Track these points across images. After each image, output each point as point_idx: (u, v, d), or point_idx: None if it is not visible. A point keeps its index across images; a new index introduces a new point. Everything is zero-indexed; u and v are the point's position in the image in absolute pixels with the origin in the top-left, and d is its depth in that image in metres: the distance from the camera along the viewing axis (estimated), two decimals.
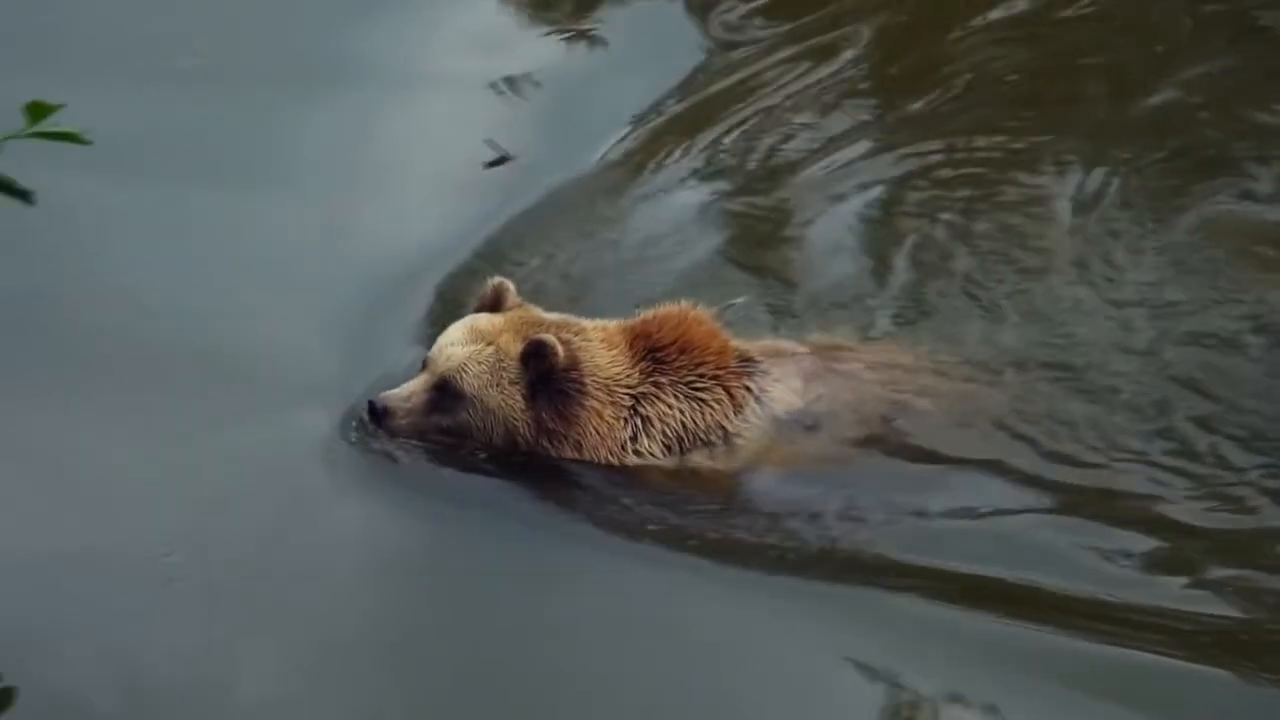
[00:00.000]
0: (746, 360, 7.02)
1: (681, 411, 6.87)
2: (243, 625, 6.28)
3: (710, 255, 8.35)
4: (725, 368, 6.94)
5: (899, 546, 6.62)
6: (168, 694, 6.03)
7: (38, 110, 4.35)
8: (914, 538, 6.68)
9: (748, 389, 6.95)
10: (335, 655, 6.19)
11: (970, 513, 6.80)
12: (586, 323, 6.99)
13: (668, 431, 6.88)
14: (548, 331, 6.78)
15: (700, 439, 6.90)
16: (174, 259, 8.10)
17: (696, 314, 6.99)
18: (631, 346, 6.91)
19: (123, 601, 6.31)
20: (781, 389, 6.98)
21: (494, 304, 6.95)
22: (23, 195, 4.47)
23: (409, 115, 9.38)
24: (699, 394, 6.91)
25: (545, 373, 6.73)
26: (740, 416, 6.91)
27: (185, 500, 6.75)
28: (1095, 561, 6.55)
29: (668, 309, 7.01)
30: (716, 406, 6.90)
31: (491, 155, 8.97)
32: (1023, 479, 6.92)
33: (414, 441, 6.86)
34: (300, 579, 6.50)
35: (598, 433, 6.80)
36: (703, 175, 9.00)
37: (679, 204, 8.74)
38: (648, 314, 7.03)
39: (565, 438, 6.80)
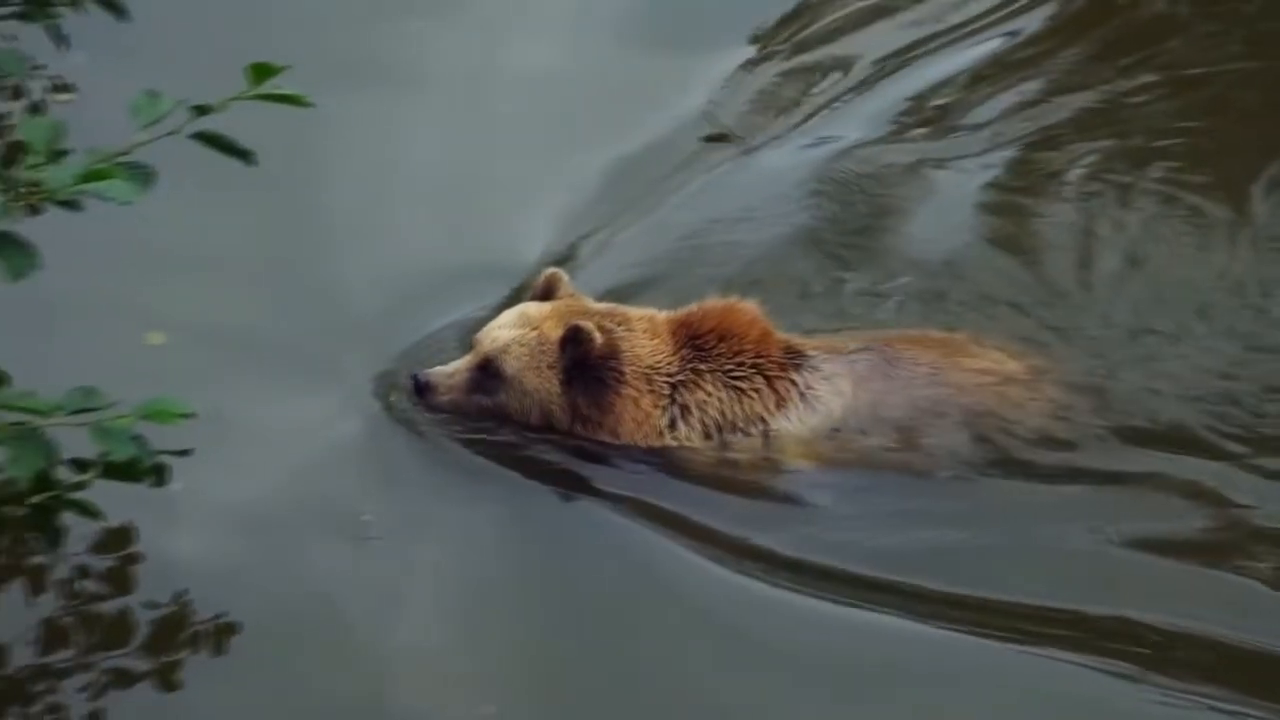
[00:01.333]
0: (794, 354, 7.00)
1: (720, 400, 6.92)
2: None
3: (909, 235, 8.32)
4: (766, 356, 6.95)
5: (900, 561, 6.56)
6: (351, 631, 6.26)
7: (260, 71, 4.39)
8: (918, 554, 6.61)
9: (792, 382, 6.95)
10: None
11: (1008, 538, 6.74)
12: (633, 312, 7.06)
13: (706, 420, 6.93)
14: (590, 320, 6.87)
15: (739, 428, 6.94)
16: None
17: (740, 305, 7.03)
18: (674, 335, 6.98)
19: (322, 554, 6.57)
20: (828, 388, 6.96)
21: (546, 293, 7.08)
22: (243, 155, 4.53)
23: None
24: (737, 382, 6.93)
25: (581, 358, 6.85)
26: (782, 411, 6.92)
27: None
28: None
29: (714, 300, 7.06)
30: (755, 396, 6.93)
31: (710, 130, 9.00)
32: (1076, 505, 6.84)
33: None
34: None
35: (634, 420, 6.90)
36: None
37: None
38: (695, 305, 7.08)
39: (600, 424, 6.91)
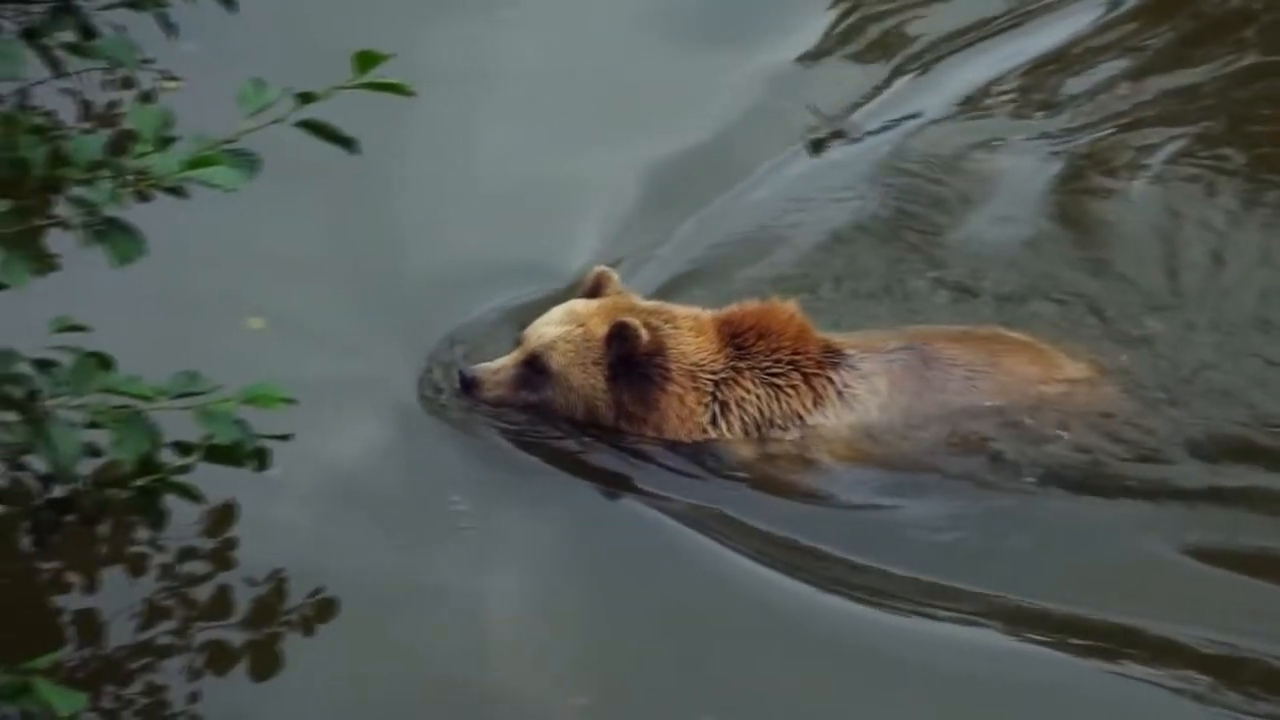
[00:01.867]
0: (833, 352, 7.05)
1: (758, 397, 6.98)
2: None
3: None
4: (803, 354, 7.00)
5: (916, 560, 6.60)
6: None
7: (365, 59, 4.43)
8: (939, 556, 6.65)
9: (830, 380, 7.00)
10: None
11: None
12: (679, 310, 7.13)
13: (745, 417, 6.98)
14: (636, 317, 6.92)
15: (777, 425, 6.98)
16: None
17: (779, 304, 7.08)
18: (719, 333, 7.03)
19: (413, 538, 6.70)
20: (865, 387, 7.01)
21: (594, 291, 7.15)
22: (346, 142, 4.56)
23: None
24: (774, 380, 6.99)
25: (627, 355, 6.91)
26: (819, 409, 6.98)
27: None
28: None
29: (754, 300, 7.13)
30: (793, 394, 6.99)
31: (824, 131, 9.04)
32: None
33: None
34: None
35: (678, 417, 6.97)
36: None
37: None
38: (736, 304, 7.14)
39: (645, 420, 6.97)
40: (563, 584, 6.63)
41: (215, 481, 5.06)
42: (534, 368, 6.99)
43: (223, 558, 6.42)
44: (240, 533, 6.50)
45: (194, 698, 6.01)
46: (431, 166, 8.40)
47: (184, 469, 4.91)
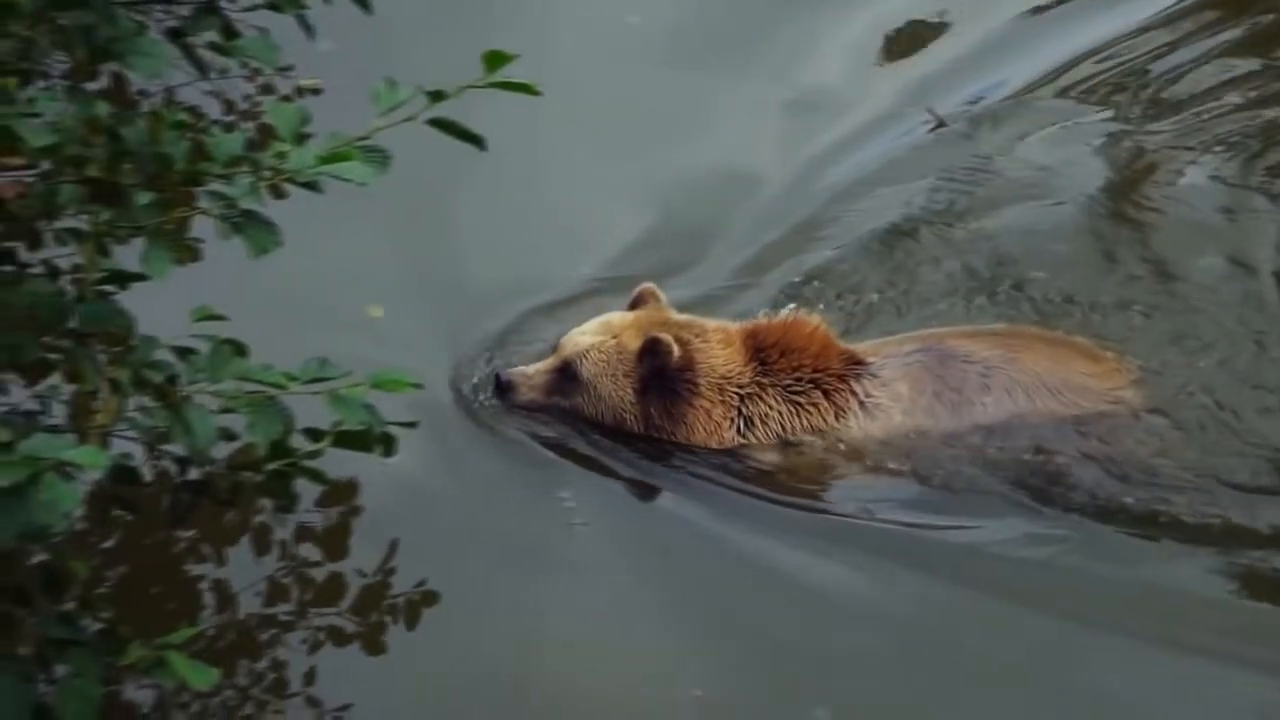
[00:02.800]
0: (854, 363, 7.12)
1: (780, 414, 7.08)
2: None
3: None
4: (824, 370, 7.09)
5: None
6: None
7: (494, 59, 4.53)
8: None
9: (852, 392, 7.07)
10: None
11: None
12: (710, 323, 7.22)
13: (768, 433, 7.09)
14: (669, 331, 7.03)
15: (801, 440, 7.08)
16: None
17: (802, 318, 7.18)
18: (745, 347, 7.13)
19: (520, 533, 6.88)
20: (886, 394, 7.07)
21: (635, 305, 7.27)
22: (475, 140, 4.67)
23: None
24: (796, 397, 7.08)
25: (659, 370, 7.02)
26: (841, 420, 7.07)
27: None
28: None
29: (779, 317, 7.23)
30: (813, 410, 7.08)
31: (931, 121, 9.06)
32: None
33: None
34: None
35: (705, 430, 7.08)
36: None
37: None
38: (763, 319, 7.25)
39: (672, 432, 7.10)
40: (662, 575, 6.78)
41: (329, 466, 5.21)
42: (566, 374, 7.12)
43: (337, 541, 6.60)
44: (354, 517, 6.69)
45: (310, 677, 6.19)
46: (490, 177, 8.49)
47: (315, 454, 5.04)
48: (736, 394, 7.09)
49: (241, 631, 6.31)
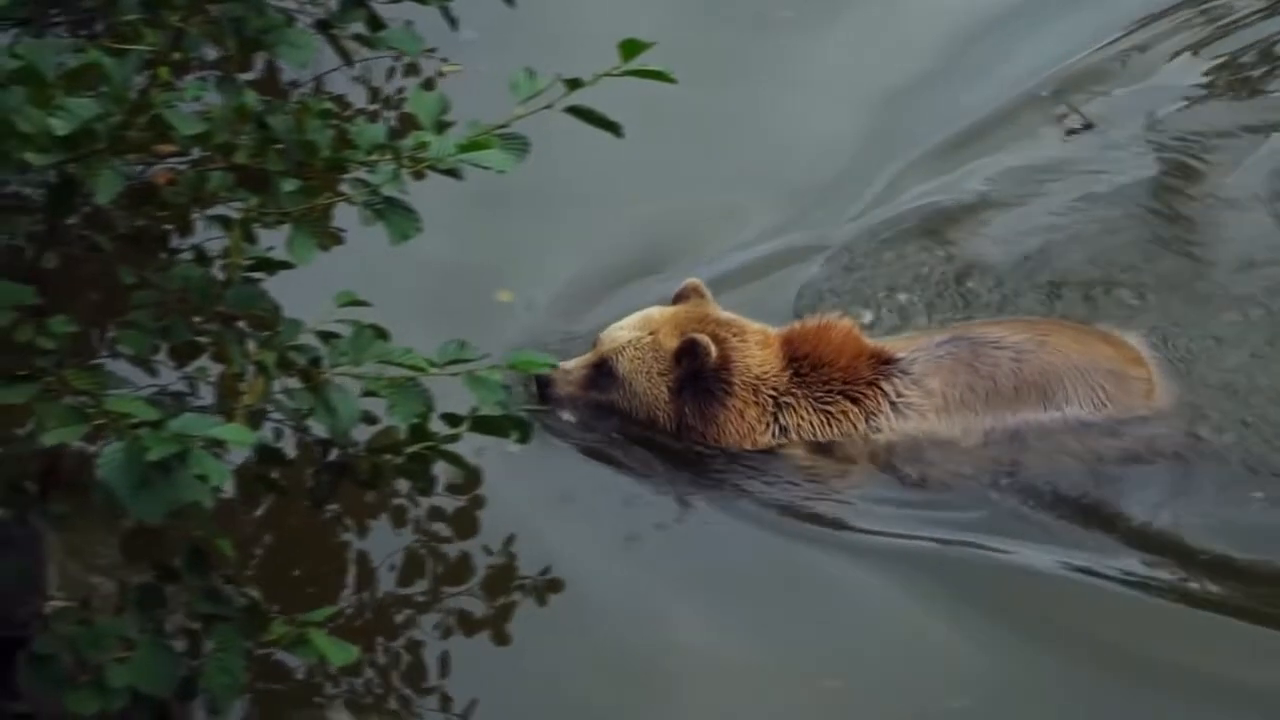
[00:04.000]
0: (884, 362, 7.08)
1: (813, 425, 7.06)
2: None
3: None
4: (855, 377, 7.06)
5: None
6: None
7: (630, 47, 4.59)
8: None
9: (883, 393, 7.04)
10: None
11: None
12: (750, 324, 7.17)
13: (802, 437, 7.07)
14: (710, 329, 7.01)
15: (835, 445, 7.07)
16: None
17: (834, 324, 7.14)
18: (782, 351, 7.11)
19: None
20: (918, 392, 7.03)
21: (679, 299, 7.25)
22: (612, 127, 4.74)
23: None
24: (827, 408, 7.06)
25: (695, 370, 6.99)
26: (872, 423, 7.04)
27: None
28: None
29: (813, 320, 7.19)
30: (843, 419, 7.05)
31: (1075, 124, 8.96)
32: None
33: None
34: None
35: (737, 432, 7.05)
36: None
37: None
38: (797, 323, 7.23)
39: (703, 433, 7.07)
40: (793, 563, 6.80)
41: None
42: (602, 370, 7.09)
43: (466, 524, 6.73)
44: (485, 501, 6.81)
45: (443, 658, 6.30)
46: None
47: (453, 438, 5.15)
48: (772, 399, 7.07)
49: (378, 611, 6.46)
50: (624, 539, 6.86)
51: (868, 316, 7.61)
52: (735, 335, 7.11)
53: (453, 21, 5.54)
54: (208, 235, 5.16)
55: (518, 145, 4.62)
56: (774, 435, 7.07)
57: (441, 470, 5.28)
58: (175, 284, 4.91)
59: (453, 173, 4.63)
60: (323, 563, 6.61)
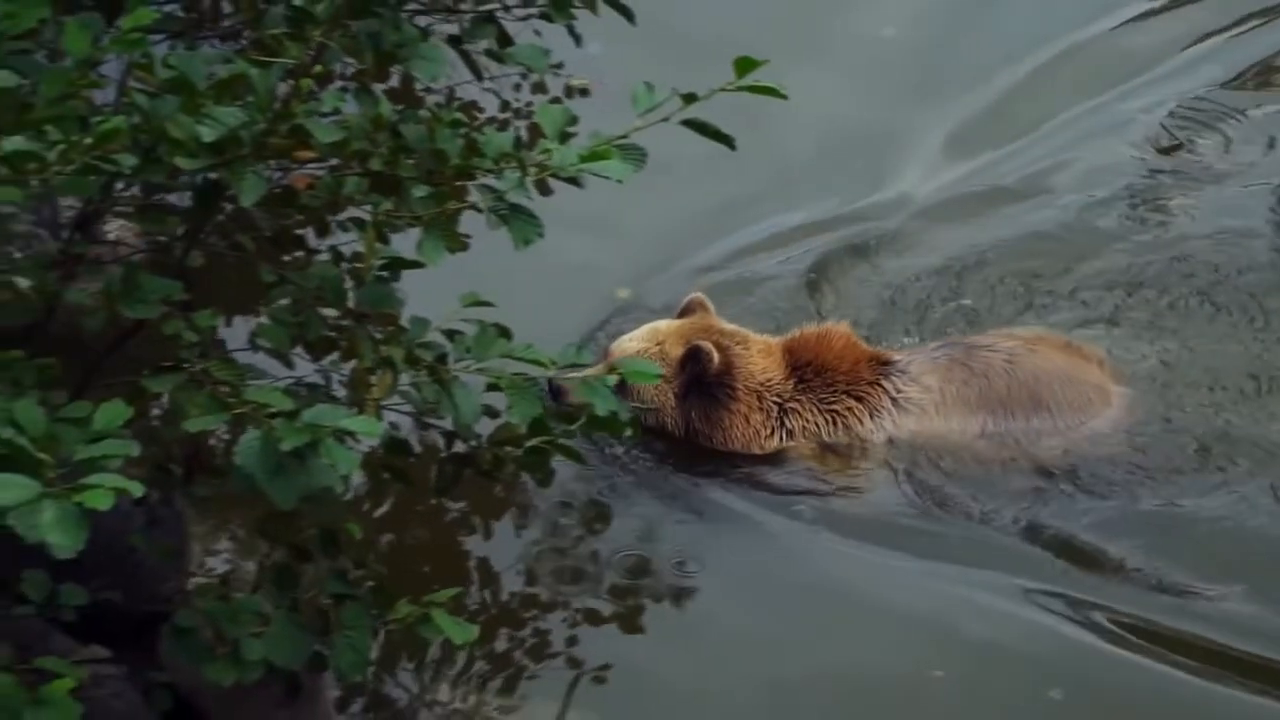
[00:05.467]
0: (883, 364, 7.33)
1: (819, 424, 7.29)
2: None
3: None
4: (857, 378, 7.30)
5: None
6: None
7: (744, 64, 4.76)
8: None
9: (883, 390, 7.28)
10: None
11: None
12: (753, 334, 7.40)
13: (807, 439, 7.31)
14: (714, 338, 7.24)
15: (841, 444, 7.29)
16: None
17: (833, 329, 7.39)
18: (784, 359, 7.32)
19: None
20: (916, 389, 7.28)
21: (684, 314, 7.47)
22: (726, 140, 4.91)
23: None
24: (832, 408, 7.28)
25: (698, 376, 7.20)
26: (875, 420, 7.27)
27: None
28: None
29: (812, 328, 7.41)
30: (848, 415, 7.28)
31: (1166, 142, 9.07)
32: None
33: None
34: None
35: (743, 436, 7.28)
36: None
37: None
38: (797, 331, 7.43)
39: (710, 437, 7.29)
40: (904, 558, 7.00)
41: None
42: None
43: (593, 518, 6.96)
44: (606, 495, 7.10)
45: (572, 641, 6.54)
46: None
47: (571, 434, 5.33)
48: (775, 402, 7.30)
49: (496, 595, 6.68)
50: (757, 534, 7.11)
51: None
52: (738, 344, 7.37)
53: (577, 39, 5.73)
54: (343, 237, 5.36)
55: (636, 156, 4.78)
56: (780, 439, 7.31)
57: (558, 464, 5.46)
58: (312, 282, 5.10)
59: (574, 181, 4.79)
60: (444, 549, 6.84)
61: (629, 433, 5.30)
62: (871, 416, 7.32)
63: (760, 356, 7.39)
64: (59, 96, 4.24)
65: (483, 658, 6.45)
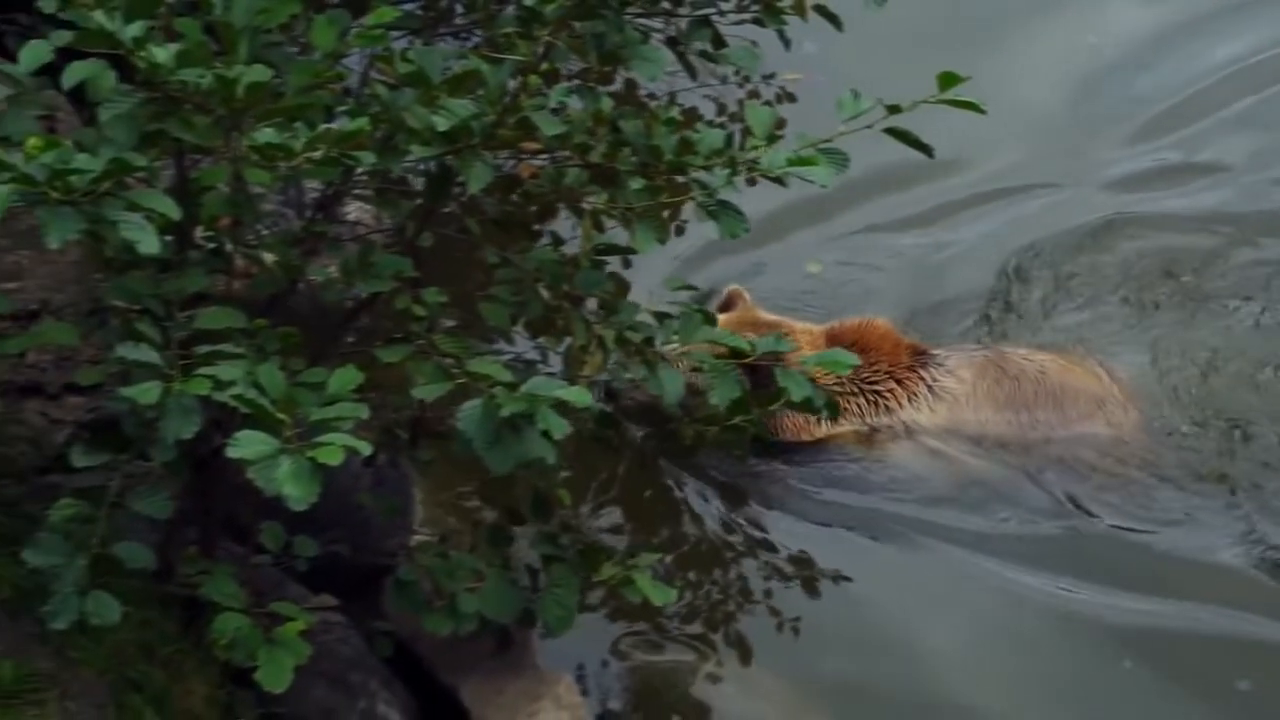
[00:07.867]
0: (920, 354, 7.52)
1: (861, 405, 7.43)
2: None
3: None
4: (898, 364, 7.47)
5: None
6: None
7: (947, 79, 4.92)
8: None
9: (920, 378, 7.46)
10: None
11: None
12: (797, 325, 7.45)
13: (851, 420, 7.42)
14: (757, 331, 7.02)
15: (881, 425, 7.45)
16: None
17: (874, 320, 7.56)
18: (828, 346, 7.23)
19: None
20: (952, 380, 7.47)
21: (726, 307, 7.49)
22: (925, 149, 5.12)
23: None
24: (874, 388, 7.44)
25: (749, 367, 7.05)
26: (914, 403, 7.43)
27: None
28: None
29: (853, 318, 7.57)
30: (890, 397, 7.43)
31: None
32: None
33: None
34: None
35: (793, 424, 7.38)
36: None
37: None
38: (837, 321, 7.57)
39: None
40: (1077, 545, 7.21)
41: None
42: None
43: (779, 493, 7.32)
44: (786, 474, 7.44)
45: (768, 596, 6.91)
46: None
47: (768, 414, 5.63)
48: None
49: (695, 562, 7.00)
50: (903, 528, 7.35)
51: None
52: (785, 335, 7.46)
53: (787, 43, 5.91)
54: (563, 223, 5.66)
55: (839, 160, 4.97)
56: (826, 425, 7.39)
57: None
58: (532, 265, 5.38)
59: (779, 181, 4.99)
60: (647, 515, 7.16)
61: (827, 414, 5.53)
62: (910, 400, 7.51)
63: (807, 348, 7.41)
64: (307, 86, 4.52)
65: (675, 616, 6.75)
